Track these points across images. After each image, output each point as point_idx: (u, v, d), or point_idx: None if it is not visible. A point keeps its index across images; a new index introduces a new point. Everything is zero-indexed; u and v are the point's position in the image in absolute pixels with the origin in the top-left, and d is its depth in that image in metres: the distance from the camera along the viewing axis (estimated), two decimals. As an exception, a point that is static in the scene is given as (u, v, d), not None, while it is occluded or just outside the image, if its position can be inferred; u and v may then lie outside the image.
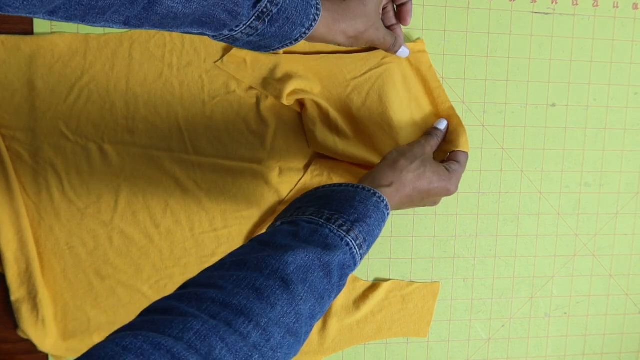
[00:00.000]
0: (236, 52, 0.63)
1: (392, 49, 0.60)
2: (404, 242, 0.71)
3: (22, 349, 0.65)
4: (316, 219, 0.46)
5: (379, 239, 0.69)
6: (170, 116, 0.64)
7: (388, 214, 0.51)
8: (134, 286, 0.65)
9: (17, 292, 0.62)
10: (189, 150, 0.64)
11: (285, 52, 0.64)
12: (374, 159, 0.66)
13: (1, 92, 0.61)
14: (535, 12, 0.69)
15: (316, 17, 0.49)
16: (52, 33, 0.61)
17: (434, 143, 0.62)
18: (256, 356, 0.35)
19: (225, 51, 0.63)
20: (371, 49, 0.66)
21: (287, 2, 0.46)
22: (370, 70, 0.66)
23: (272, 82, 0.63)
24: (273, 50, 0.50)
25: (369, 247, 0.48)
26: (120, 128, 0.63)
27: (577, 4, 0.70)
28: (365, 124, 0.66)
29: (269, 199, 0.67)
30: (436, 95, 0.67)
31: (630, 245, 0.76)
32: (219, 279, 0.38)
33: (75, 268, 0.64)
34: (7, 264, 0.62)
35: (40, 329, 0.63)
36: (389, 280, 0.71)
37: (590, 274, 0.76)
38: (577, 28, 0.71)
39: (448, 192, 0.58)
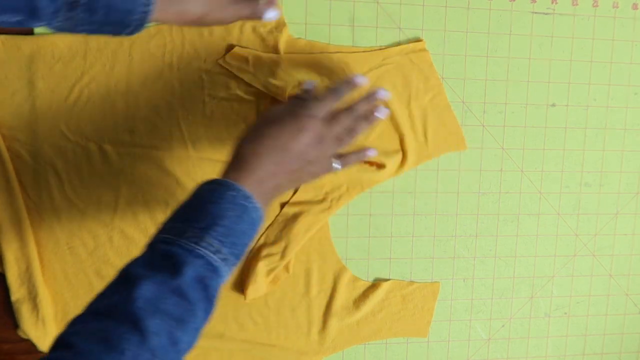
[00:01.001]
0: (239, 51, 0.63)
1: (253, 18, 0.55)
2: (404, 242, 0.71)
3: (22, 349, 0.65)
4: (169, 236, 0.46)
5: (378, 239, 0.70)
6: (171, 116, 0.64)
7: (251, 203, 0.48)
8: (134, 286, 0.65)
9: (17, 292, 0.62)
10: (189, 150, 0.64)
11: (286, 52, 0.64)
12: (380, 156, 0.66)
13: (1, 92, 0.61)
14: (535, 12, 0.69)
15: (149, 2, 0.47)
16: (52, 33, 0.61)
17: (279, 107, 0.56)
18: None
19: (227, 50, 0.63)
20: (372, 48, 0.66)
21: None
22: (372, 69, 0.66)
23: (273, 82, 0.63)
24: (128, 34, 0.49)
25: (233, 245, 0.47)
26: (120, 128, 0.63)
27: (577, 4, 0.70)
28: None
29: (269, 199, 0.67)
30: (436, 92, 0.68)
31: (630, 245, 0.76)
32: (74, 336, 0.40)
33: (75, 268, 0.64)
34: (7, 264, 0.62)
35: (40, 329, 0.63)
36: (389, 280, 0.71)
37: (590, 274, 0.76)
38: (577, 28, 0.71)
39: (300, 125, 0.52)
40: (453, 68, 0.69)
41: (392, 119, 0.67)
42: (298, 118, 0.52)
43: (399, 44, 0.67)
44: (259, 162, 0.51)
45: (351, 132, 0.56)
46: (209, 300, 0.45)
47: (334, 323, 0.69)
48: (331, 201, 0.67)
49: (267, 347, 0.68)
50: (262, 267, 0.65)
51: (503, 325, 0.75)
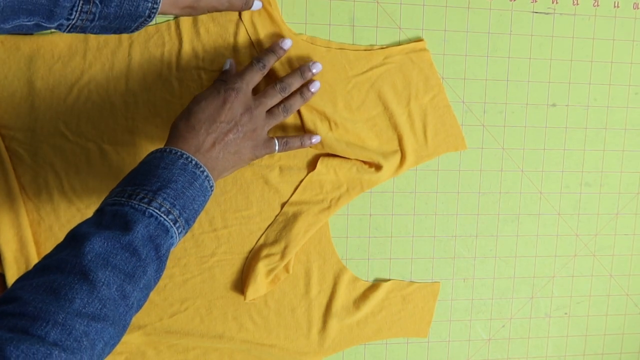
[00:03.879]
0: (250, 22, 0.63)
1: (245, 8, 0.59)
2: (404, 242, 0.71)
3: (21, 349, 0.65)
4: (119, 199, 0.46)
5: (378, 239, 0.70)
6: (170, 115, 0.64)
7: (202, 172, 0.50)
8: (134, 286, 0.65)
9: (16, 292, 0.62)
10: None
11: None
12: (376, 156, 0.66)
13: (1, 92, 0.61)
14: (536, 12, 0.69)
15: None
16: (51, 33, 0.61)
17: (250, 76, 0.58)
18: (56, 352, 0.37)
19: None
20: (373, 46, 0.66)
21: None
22: (372, 68, 0.66)
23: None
24: (132, 30, 0.51)
25: (183, 209, 0.48)
26: (119, 128, 0.63)
27: (577, 4, 0.70)
28: (363, 121, 0.66)
29: (269, 199, 0.67)
30: (436, 92, 0.68)
31: (631, 245, 0.76)
32: (19, 290, 0.40)
33: (74, 268, 0.64)
34: (6, 264, 0.62)
35: (39, 329, 0.63)
36: (389, 280, 0.71)
37: (590, 274, 0.76)
38: (577, 28, 0.70)
39: (224, 97, 0.55)
40: (453, 68, 0.68)
41: (391, 118, 0.67)
42: (220, 92, 0.55)
43: (399, 43, 0.67)
44: (194, 133, 0.53)
45: (286, 108, 0.60)
46: (160, 260, 0.46)
47: (334, 323, 0.69)
48: (330, 201, 0.67)
49: (266, 347, 0.68)
50: (262, 267, 0.65)
51: (503, 326, 0.75)
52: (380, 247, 0.70)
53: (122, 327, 0.43)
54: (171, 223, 0.47)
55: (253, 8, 0.60)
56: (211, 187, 0.52)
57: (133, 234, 0.44)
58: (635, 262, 0.77)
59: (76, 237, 0.44)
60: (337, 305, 0.69)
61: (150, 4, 0.49)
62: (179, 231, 0.48)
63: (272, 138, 0.60)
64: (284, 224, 0.67)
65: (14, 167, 0.62)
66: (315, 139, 0.63)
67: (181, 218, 0.48)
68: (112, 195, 0.47)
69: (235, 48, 0.63)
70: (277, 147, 0.60)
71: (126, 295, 0.43)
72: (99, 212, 0.47)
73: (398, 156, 0.67)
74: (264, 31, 0.63)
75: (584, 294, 0.76)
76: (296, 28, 0.65)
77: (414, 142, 0.68)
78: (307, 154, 0.67)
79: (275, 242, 0.66)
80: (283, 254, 0.66)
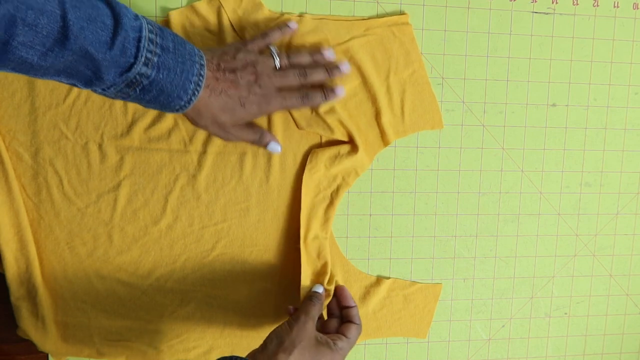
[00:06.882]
0: None
1: (259, 144, 0.61)
2: (404, 242, 0.71)
3: (22, 349, 0.65)
4: None
5: (378, 239, 0.70)
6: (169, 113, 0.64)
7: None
8: (135, 285, 0.65)
9: (17, 292, 0.62)
10: (188, 145, 0.64)
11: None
12: (355, 132, 0.65)
13: (1, 92, 0.61)
14: (536, 12, 0.69)
15: (196, 92, 0.51)
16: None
17: (315, 313, 0.60)
18: None
19: None
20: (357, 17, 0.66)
21: (162, 76, 0.48)
22: (353, 38, 0.65)
23: (250, 31, 0.63)
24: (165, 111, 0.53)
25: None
26: (119, 127, 0.63)
27: (577, 4, 0.70)
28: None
29: (267, 190, 0.66)
30: (416, 67, 0.67)
31: (631, 246, 0.76)
32: None
33: (74, 267, 0.64)
34: (6, 264, 0.62)
35: (40, 329, 0.63)
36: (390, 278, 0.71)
37: (590, 274, 0.76)
38: (577, 28, 0.71)
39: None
40: (453, 68, 0.69)
41: (370, 91, 0.66)
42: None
43: (381, 16, 0.66)
44: None
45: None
46: None
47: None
48: (331, 195, 0.66)
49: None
50: (312, 250, 0.66)
51: (503, 326, 0.75)
52: (380, 247, 0.70)
53: None
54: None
55: (270, 149, 0.62)
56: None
57: None
58: (635, 262, 0.77)
59: None
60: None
61: (182, 102, 0.51)
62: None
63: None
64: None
65: (14, 167, 0.62)
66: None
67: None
68: None
69: (220, 36, 0.63)
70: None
71: None
72: None
73: (377, 130, 0.67)
74: (246, 15, 0.63)
75: (584, 294, 0.76)
76: (296, 28, 0.65)
77: (391, 117, 0.67)
78: (299, 142, 0.66)
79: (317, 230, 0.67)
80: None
